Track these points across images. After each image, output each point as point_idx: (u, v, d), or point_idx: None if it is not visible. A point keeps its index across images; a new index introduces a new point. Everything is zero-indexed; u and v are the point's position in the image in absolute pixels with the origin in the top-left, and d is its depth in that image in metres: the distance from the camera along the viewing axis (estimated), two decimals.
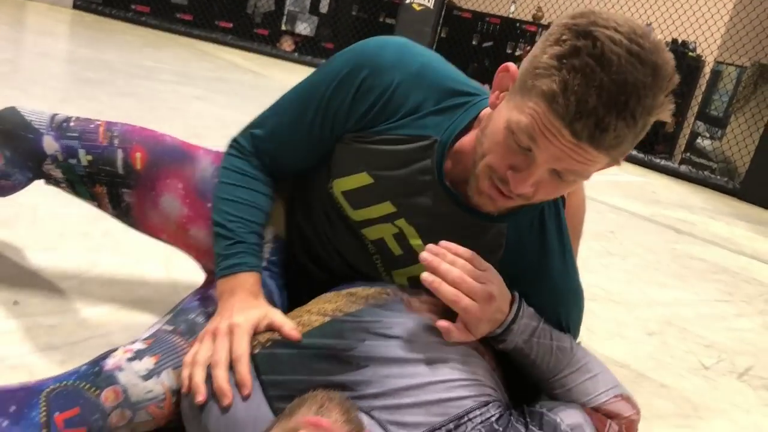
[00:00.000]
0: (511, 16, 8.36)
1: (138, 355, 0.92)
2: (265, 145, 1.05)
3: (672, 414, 1.49)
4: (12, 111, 1.23)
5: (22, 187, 1.24)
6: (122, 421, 0.89)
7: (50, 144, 1.18)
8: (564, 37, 0.77)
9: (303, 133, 1.02)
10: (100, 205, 1.21)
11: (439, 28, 7.61)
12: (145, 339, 0.96)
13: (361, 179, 1.00)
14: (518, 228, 0.98)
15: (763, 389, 1.75)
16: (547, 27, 7.43)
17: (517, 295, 0.94)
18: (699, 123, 7.29)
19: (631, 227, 3.33)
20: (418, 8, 7.23)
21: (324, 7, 8.70)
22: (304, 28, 8.69)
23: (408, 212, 0.99)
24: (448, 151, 0.96)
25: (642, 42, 0.77)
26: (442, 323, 0.89)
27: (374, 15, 8.53)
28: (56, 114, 1.24)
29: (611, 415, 0.92)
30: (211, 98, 3.96)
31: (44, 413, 0.86)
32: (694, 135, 7.25)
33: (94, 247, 1.59)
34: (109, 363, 0.92)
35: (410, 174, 0.98)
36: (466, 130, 0.97)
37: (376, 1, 8.36)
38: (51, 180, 1.21)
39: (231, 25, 8.07)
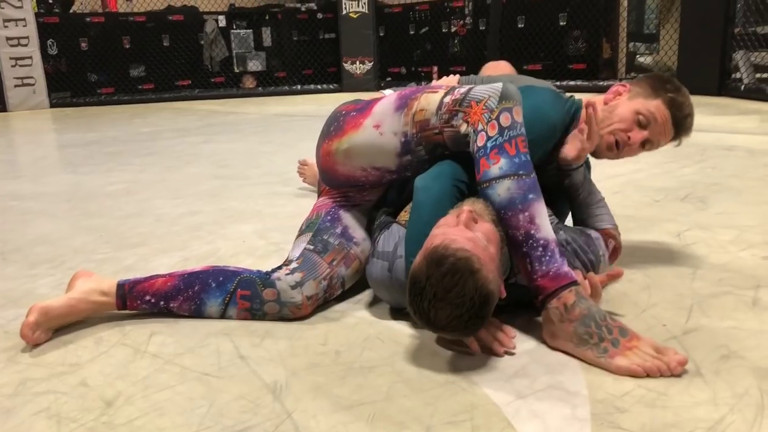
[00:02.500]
0: None
1: (292, 272, 1.56)
2: None
3: (634, 229, 2.16)
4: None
5: None
6: (273, 310, 1.53)
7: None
8: (667, 80, 1.64)
9: None
10: None
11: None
12: (296, 259, 1.60)
13: None
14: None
15: (700, 202, 2.42)
16: None
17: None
18: (637, 44, 8.02)
19: None
20: (355, 16, 7.91)
21: (267, 40, 9.25)
22: (254, 65, 9.25)
23: None
24: None
25: None
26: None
27: (314, 35, 9.07)
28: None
29: (609, 236, 1.60)
30: (215, 140, 4.60)
31: (234, 287, 1.54)
32: (632, 56, 7.96)
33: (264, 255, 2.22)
34: (275, 274, 1.56)
35: None
36: None
37: (312, 22, 8.94)
38: None
39: (189, 81, 8.68)
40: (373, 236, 1.63)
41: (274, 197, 2.80)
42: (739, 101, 5.25)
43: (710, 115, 4.59)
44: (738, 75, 5.63)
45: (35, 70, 7.58)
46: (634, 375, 1.22)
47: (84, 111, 7.36)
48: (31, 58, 7.53)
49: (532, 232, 1.32)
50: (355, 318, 1.55)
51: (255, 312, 1.53)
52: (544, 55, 7.46)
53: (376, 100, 1.64)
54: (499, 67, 1.99)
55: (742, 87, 5.41)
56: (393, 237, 1.55)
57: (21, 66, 7.50)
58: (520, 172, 1.35)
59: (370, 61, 8.17)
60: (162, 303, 1.55)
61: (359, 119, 1.60)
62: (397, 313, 1.55)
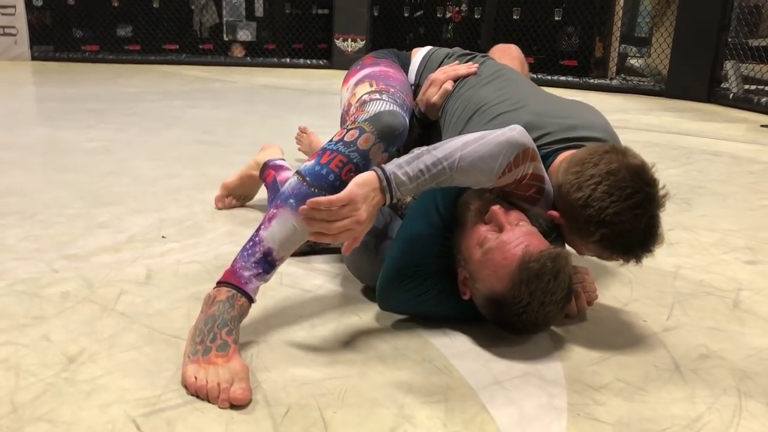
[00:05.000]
0: None
1: None
2: None
3: None
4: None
5: None
6: None
7: None
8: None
9: None
10: None
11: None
12: None
13: None
14: None
15: (685, 203, 2.41)
16: None
17: (384, 184, 1.20)
18: (628, 46, 8.02)
19: None
20: None
21: (259, 10, 9.08)
22: (244, 34, 9.08)
23: None
24: None
25: None
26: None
27: (307, 9, 8.89)
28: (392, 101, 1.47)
29: None
30: (200, 105, 4.51)
31: None
32: (623, 57, 7.95)
33: None
34: None
35: None
36: None
37: None
38: None
39: (177, 46, 8.50)
40: None
41: None
42: (727, 109, 5.26)
43: (698, 121, 4.60)
44: (726, 84, 5.64)
45: (18, 20, 7.37)
46: (185, 386, 1.10)
47: (66, 66, 7.18)
48: (14, 7, 7.31)
49: (262, 227, 1.29)
50: (333, 293, 1.52)
51: None
52: (537, 48, 7.41)
53: (378, 65, 1.72)
54: (508, 51, 1.95)
55: (731, 96, 5.42)
56: (383, 215, 1.51)
57: (3, 15, 7.28)
58: (308, 179, 1.32)
59: (362, 40, 8.06)
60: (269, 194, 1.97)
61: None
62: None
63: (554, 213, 1.31)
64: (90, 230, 1.86)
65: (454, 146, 1.24)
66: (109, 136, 3.27)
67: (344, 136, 1.37)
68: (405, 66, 1.88)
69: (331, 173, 1.31)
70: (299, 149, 2.72)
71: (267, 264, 1.27)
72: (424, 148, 1.25)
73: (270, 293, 1.47)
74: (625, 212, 1.22)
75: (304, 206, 1.16)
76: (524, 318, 1.19)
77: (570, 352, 1.27)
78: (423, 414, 1.05)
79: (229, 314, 1.19)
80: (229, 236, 1.87)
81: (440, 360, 1.22)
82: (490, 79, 1.66)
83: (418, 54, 1.91)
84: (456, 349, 1.27)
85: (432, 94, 1.69)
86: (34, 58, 7.53)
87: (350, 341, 1.28)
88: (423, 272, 1.33)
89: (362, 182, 1.19)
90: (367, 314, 1.40)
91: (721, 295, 1.59)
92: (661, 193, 1.29)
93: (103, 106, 4.30)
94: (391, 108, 1.43)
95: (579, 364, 1.23)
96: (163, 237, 1.83)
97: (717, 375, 1.21)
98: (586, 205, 1.23)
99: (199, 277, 1.57)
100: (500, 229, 1.23)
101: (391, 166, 1.22)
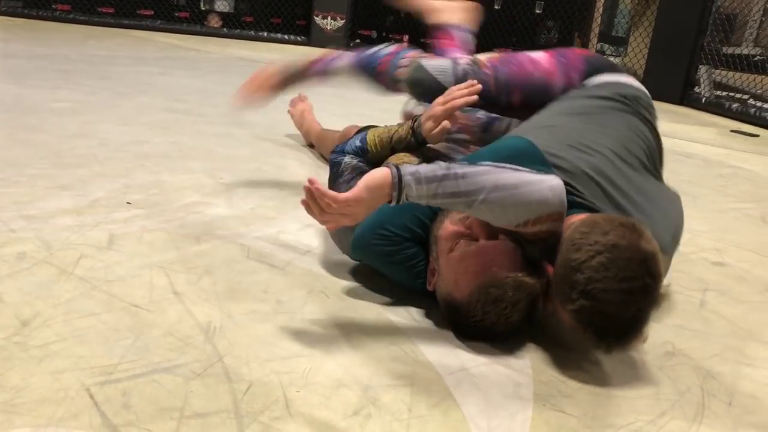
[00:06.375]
0: None
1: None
2: None
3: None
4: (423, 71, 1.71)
5: None
6: None
7: None
8: None
9: None
10: None
11: None
12: None
13: None
14: None
15: None
16: None
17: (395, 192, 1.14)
18: (605, 45, 8.07)
19: None
20: None
21: None
22: (222, 5, 8.88)
23: None
24: None
25: None
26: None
27: None
28: (456, 65, 1.68)
29: None
30: (172, 73, 4.41)
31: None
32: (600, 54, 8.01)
33: None
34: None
35: None
36: None
37: None
38: None
39: (152, 12, 8.30)
40: (342, 178, 1.57)
41: (229, 138, 2.68)
42: (699, 113, 5.32)
43: (671, 122, 4.65)
44: (698, 89, 5.70)
45: None
46: None
47: (35, 24, 6.96)
48: None
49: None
50: (302, 270, 1.48)
51: None
52: (516, 40, 7.41)
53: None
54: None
55: (703, 100, 5.49)
56: None
57: None
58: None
59: (342, 18, 7.97)
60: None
61: None
62: (347, 272, 1.48)
63: (548, 267, 1.20)
64: (51, 192, 1.80)
65: (482, 183, 1.13)
66: (78, 98, 3.17)
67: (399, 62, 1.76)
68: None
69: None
70: (289, 111, 2.70)
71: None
72: (453, 168, 1.15)
73: (237, 267, 1.44)
74: (614, 293, 1.06)
75: (308, 185, 1.11)
76: (474, 330, 1.20)
77: (537, 343, 1.26)
78: (388, 397, 1.03)
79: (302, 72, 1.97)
80: (196, 206, 1.82)
81: (407, 344, 1.20)
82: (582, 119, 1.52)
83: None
84: (423, 333, 1.25)
85: (429, 128, 1.56)
86: (1, 14, 7.29)
87: (317, 320, 1.26)
88: (401, 236, 1.32)
89: (374, 186, 1.14)
90: (335, 293, 1.37)
91: (688, 294, 1.59)
92: (661, 291, 1.12)
93: (72, 67, 4.17)
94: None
95: (546, 355, 1.22)
96: (128, 203, 1.77)
97: (682, 373, 1.21)
98: (577, 269, 1.09)
99: (164, 245, 1.52)
100: (476, 238, 1.22)
101: (409, 176, 1.14)
